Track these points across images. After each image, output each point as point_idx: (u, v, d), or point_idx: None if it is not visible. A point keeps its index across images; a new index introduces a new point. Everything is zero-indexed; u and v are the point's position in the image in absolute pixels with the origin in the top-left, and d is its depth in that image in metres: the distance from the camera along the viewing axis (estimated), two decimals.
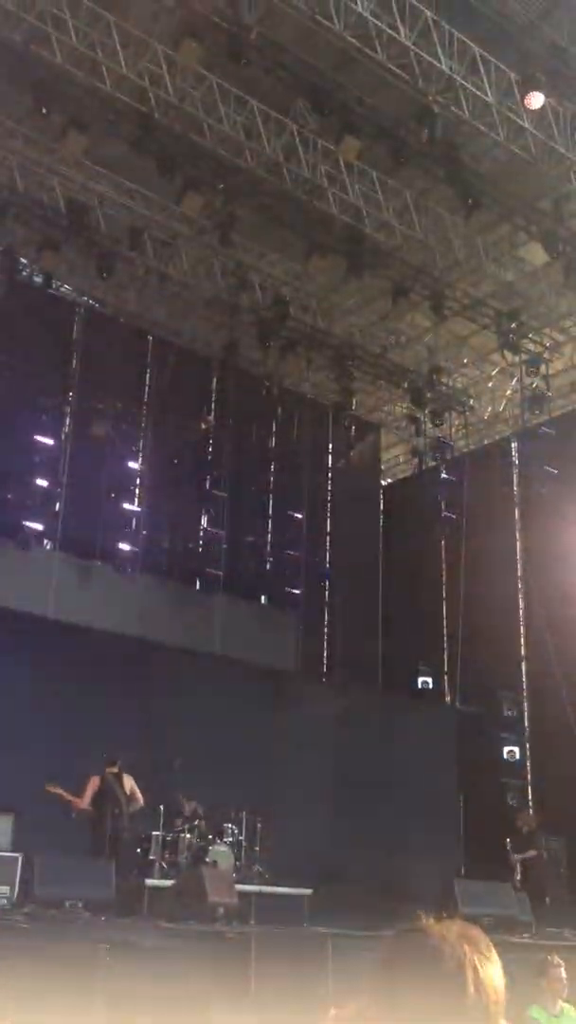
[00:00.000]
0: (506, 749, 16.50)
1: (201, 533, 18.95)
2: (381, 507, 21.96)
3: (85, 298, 18.39)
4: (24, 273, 16.88)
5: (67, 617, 15.19)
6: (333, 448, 21.17)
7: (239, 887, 10.73)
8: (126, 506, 17.74)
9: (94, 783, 11.02)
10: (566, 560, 16.90)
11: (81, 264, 16.59)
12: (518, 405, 18.57)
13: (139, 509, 17.94)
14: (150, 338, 18.95)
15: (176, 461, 18.61)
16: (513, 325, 16.86)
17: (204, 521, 18.94)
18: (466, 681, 17.28)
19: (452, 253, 15.67)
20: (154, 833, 11.85)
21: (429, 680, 18.05)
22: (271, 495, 20.33)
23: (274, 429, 20.27)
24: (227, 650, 16.96)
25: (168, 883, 10.88)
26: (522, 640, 17.95)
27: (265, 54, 12.58)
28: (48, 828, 11.21)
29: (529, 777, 16.98)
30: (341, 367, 18.21)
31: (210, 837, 11.89)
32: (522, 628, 17.97)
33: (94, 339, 17.95)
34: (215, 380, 19.51)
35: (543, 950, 7.98)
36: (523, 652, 17.91)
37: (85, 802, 10.95)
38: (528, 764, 17.04)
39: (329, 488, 21.27)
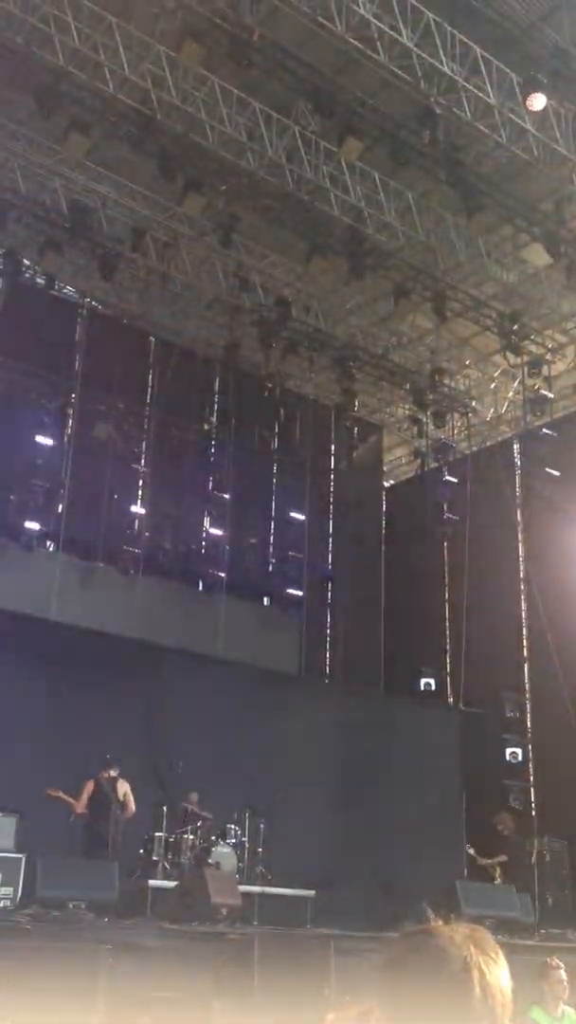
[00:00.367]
0: (508, 750, 16.49)
1: (203, 535, 18.96)
2: (383, 508, 21.96)
3: (87, 299, 18.41)
4: (27, 274, 16.88)
5: (69, 618, 15.20)
6: (335, 449, 21.17)
7: (242, 888, 10.74)
8: (129, 507, 17.75)
9: (89, 787, 11.06)
10: (568, 561, 16.89)
11: (83, 265, 16.61)
12: (520, 407, 18.57)
13: (141, 510, 17.94)
14: (152, 339, 18.97)
15: (178, 462, 18.61)
16: (515, 327, 16.85)
17: (206, 523, 18.94)
18: (468, 682, 17.27)
19: (454, 254, 15.67)
20: (157, 834, 11.86)
21: (431, 681, 18.04)
22: (273, 496, 20.34)
23: (276, 430, 20.27)
24: (229, 651, 16.96)
25: (171, 884, 10.90)
26: (524, 641, 17.93)
27: (267, 55, 12.59)
28: (51, 830, 11.23)
29: (531, 778, 16.96)
30: (343, 368, 18.20)
31: (213, 838, 11.90)
32: (524, 629, 17.95)
33: (96, 340, 17.96)
34: (217, 381, 19.51)
35: (545, 952, 7.98)
36: (525, 653, 17.90)
37: (81, 805, 10.97)
38: (530, 765, 17.03)
39: (331, 489, 21.27)
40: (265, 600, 19.68)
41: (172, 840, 11.89)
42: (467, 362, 19.50)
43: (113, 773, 11.14)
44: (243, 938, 8.17)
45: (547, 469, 16.99)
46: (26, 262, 16.52)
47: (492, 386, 19.73)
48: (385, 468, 22.30)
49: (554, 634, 16.16)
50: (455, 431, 19.82)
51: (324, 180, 14.10)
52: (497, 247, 16.03)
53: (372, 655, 19.95)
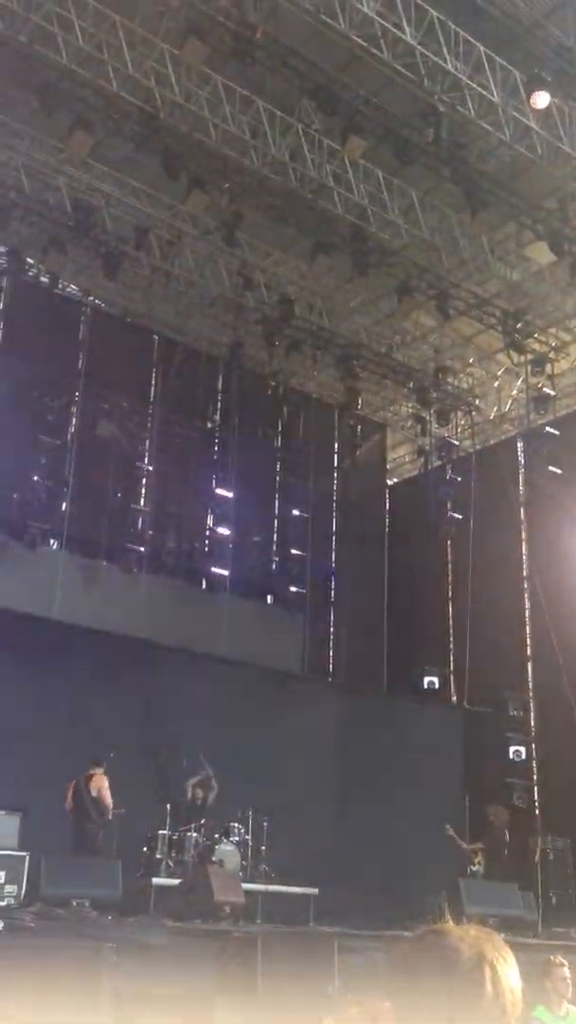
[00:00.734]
0: (512, 749, 16.48)
1: (206, 533, 18.96)
2: (386, 507, 21.96)
3: (91, 298, 18.42)
4: (30, 273, 16.90)
5: (72, 616, 15.21)
6: (339, 447, 21.16)
7: (245, 886, 10.76)
8: (132, 505, 17.76)
9: (73, 785, 11.07)
10: (571, 560, 16.88)
11: (87, 264, 16.61)
12: (523, 405, 18.56)
13: (145, 509, 17.95)
14: (156, 337, 18.97)
15: (181, 461, 18.61)
16: (519, 325, 16.85)
17: (209, 521, 18.95)
18: (471, 681, 17.26)
19: (457, 252, 15.66)
20: (160, 832, 11.87)
21: (435, 680, 18.03)
22: (276, 495, 20.34)
23: (279, 429, 20.28)
24: (232, 649, 16.97)
25: (175, 882, 10.91)
26: (528, 640, 17.93)
27: (271, 53, 12.57)
28: (55, 828, 11.25)
29: (535, 777, 16.96)
30: (346, 366, 18.19)
31: (216, 836, 11.91)
32: (527, 628, 17.95)
33: (100, 339, 17.97)
34: (220, 379, 19.52)
35: (548, 950, 7.98)
36: (528, 652, 17.90)
37: (67, 803, 11.00)
38: (533, 764, 17.02)
39: (334, 488, 21.26)
40: (268, 598, 19.69)
41: (175, 838, 11.90)
42: (470, 360, 19.48)
43: (92, 771, 11.12)
44: (246, 936, 8.18)
45: (550, 467, 16.97)
46: (30, 261, 16.54)
47: (495, 384, 19.72)
48: (388, 466, 22.30)
49: (557, 632, 16.15)
50: (458, 429, 19.82)
51: (327, 178, 14.10)
52: (501, 245, 16.02)
53: (375, 653, 19.96)
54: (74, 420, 17.64)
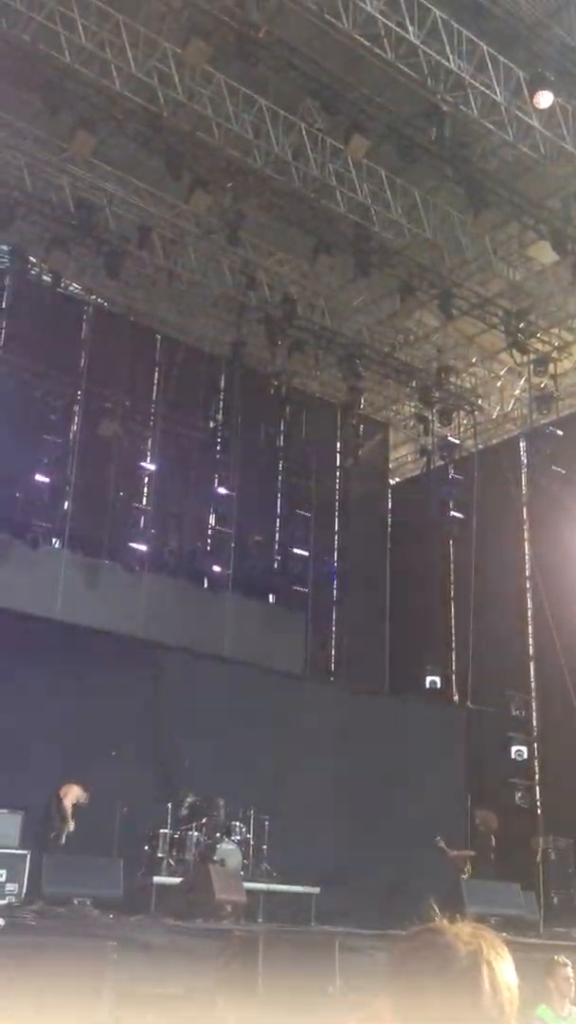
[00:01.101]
0: (514, 748, 16.47)
1: (209, 532, 18.96)
2: (389, 506, 21.95)
3: (94, 297, 18.43)
4: (33, 272, 16.91)
5: (74, 616, 15.21)
6: (341, 447, 21.14)
7: (247, 885, 10.77)
8: (134, 505, 17.76)
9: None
10: (574, 560, 16.87)
11: (89, 263, 16.61)
12: (526, 404, 18.55)
13: (147, 508, 17.95)
14: (158, 337, 18.97)
15: (184, 460, 18.61)
16: (521, 324, 16.84)
17: (212, 520, 18.95)
18: (474, 681, 17.25)
19: (460, 252, 15.65)
20: (162, 831, 11.88)
21: (436, 680, 18.02)
22: (279, 494, 20.34)
23: (282, 428, 20.27)
24: (234, 649, 16.97)
25: (176, 881, 10.92)
26: (530, 639, 17.91)
27: (273, 53, 12.57)
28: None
29: (537, 777, 16.95)
30: (349, 366, 18.19)
31: (218, 835, 11.91)
32: (530, 627, 17.93)
33: (102, 338, 17.96)
34: (223, 379, 19.52)
35: (549, 950, 7.98)
36: (531, 651, 17.88)
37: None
38: (536, 764, 17.02)
39: (337, 487, 21.26)
40: (270, 598, 19.68)
41: (177, 837, 11.90)
42: (473, 360, 19.48)
43: (69, 782, 11.22)
44: (248, 935, 8.19)
45: (553, 467, 16.96)
46: (32, 260, 16.55)
47: (498, 384, 19.71)
48: (391, 466, 22.30)
49: (559, 632, 16.14)
50: (461, 429, 19.81)
51: (330, 178, 14.09)
52: (503, 245, 16.01)
53: (377, 653, 19.96)
54: (76, 419, 17.65)
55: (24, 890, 10.02)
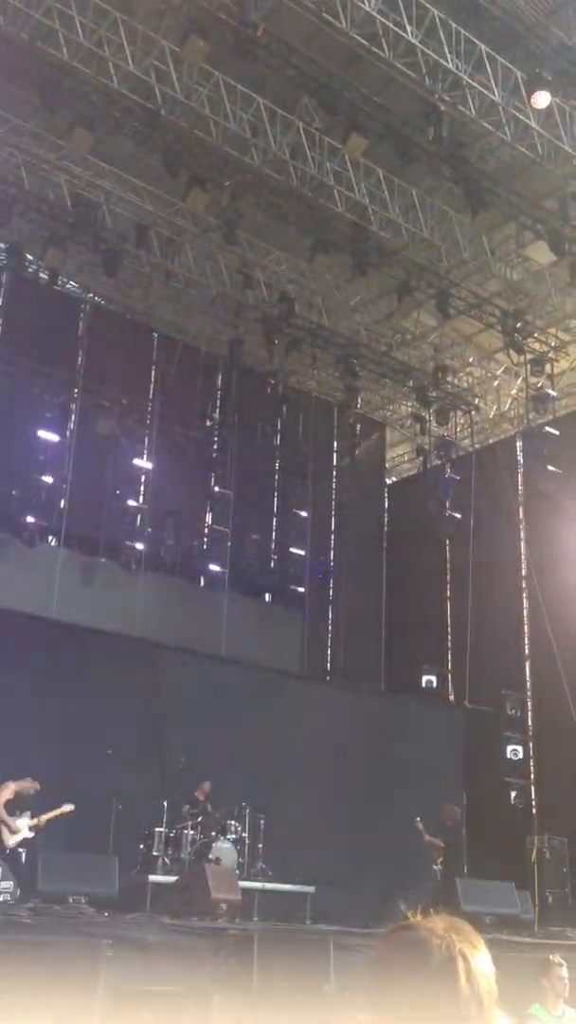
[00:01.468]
0: (509, 748, 16.47)
1: (205, 530, 18.97)
2: (385, 506, 21.96)
3: (91, 295, 18.42)
4: (30, 270, 16.89)
5: (71, 614, 15.22)
6: (338, 446, 21.17)
7: (242, 884, 10.77)
8: (131, 503, 17.75)
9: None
10: (570, 559, 16.89)
11: (87, 261, 16.60)
12: (523, 404, 18.56)
13: (144, 506, 17.94)
14: (155, 335, 18.97)
15: (181, 458, 18.60)
16: (518, 324, 16.84)
17: (208, 518, 18.95)
18: (470, 680, 17.26)
19: (458, 252, 15.65)
20: (157, 830, 11.88)
21: (432, 679, 18.03)
22: (275, 493, 20.34)
23: (279, 427, 20.27)
24: (231, 647, 16.98)
25: (171, 880, 10.92)
26: (526, 639, 17.93)
27: (271, 51, 12.56)
28: (52, 825, 11.24)
29: (532, 776, 16.97)
30: (346, 365, 18.19)
31: (213, 834, 11.91)
32: (526, 627, 17.95)
33: (100, 336, 17.96)
34: (220, 377, 19.51)
35: (544, 949, 7.99)
36: (527, 651, 17.90)
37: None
38: (531, 763, 17.03)
39: (333, 486, 21.27)
40: (267, 597, 19.70)
41: (172, 835, 11.91)
42: (470, 360, 19.49)
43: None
44: (243, 934, 8.19)
45: (549, 467, 16.96)
46: (29, 257, 16.53)
47: (495, 384, 19.72)
48: (387, 465, 22.30)
49: (555, 632, 16.15)
50: (458, 428, 19.82)
51: (328, 177, 14.09)
52: (501, 245, 16.02)
53: (373, 652, 19.96)
54: (73, 417, 17.65)
55: (19, 888, 10.01)
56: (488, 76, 12.03)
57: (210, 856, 11.42)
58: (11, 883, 9.79)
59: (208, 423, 19.50)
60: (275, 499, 20.30)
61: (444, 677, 18.49)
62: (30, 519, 16.15)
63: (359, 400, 19.42)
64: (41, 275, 16.94)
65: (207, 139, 13.55)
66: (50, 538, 16.78)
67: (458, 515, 18.35)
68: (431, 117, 12.23)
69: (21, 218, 15.22)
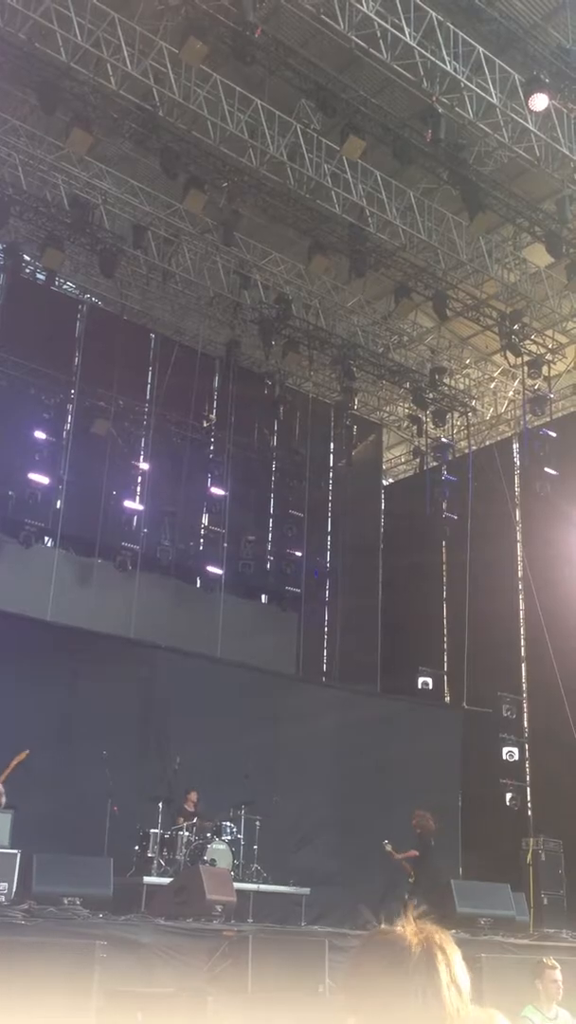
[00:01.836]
0: (505, 750, 16.48)
1: (202, 532, 18.96)
2: (382, 507, 21.96)
3: (88, 295, 18.42)
4: (27, 270, 16.89)
5: (66, 614, 15.19)
6: (334, 447, 21.18)
7: (237, 886, 10.74)
8: (127, 504, 17.74)
9: None
10: (566, 561, 16.90)
11: (84, 261, 16.61)
12: (520, 406, 18.58)
13: (140, 507, 17.93)
14: (152, 336, 18.98)
15: (177, 459, 18.59)
16: (515, 326, 16.86)
17: (205, 520, 18.95)
18: (466, 682, 17.26)
19: (455, 254, 15.67)
20: (152, 831, 11.86)
21: (428, 681, 18.03)
22: (272, 494, 20.34)
23: (276, 428, 20.29)
24: (227, 648, 16.96)
25: (166, 881, 10.90)
26: (522, 641, 17.94)
27: (270, 53, 12.57)
28: (46, 825, 11.23)
29: (528, 778, 16.98)
30: (343, 366, 18.21)
31: (208, 836, 11.90)
32: (522, 629, 17.95)
33: (97, 336, 17.96)
34: (217, 378, 19.52)
35: (539, 951, 8.00)
36: (523, 653, 17.90)
37: None
38: (527, 765, 17.04)
39: (330, 488, 21.28)
40: (263, 598, 19.71)
41: (167, 837, 11.89)
42: (467, 361, 19.51)
43: None
44: (237, 935, 8.19)
45: (546, 469, 16.99)
46: (27, 258, 16.53)
47: (492, 386, 19.75)
48: (384, 467, 22.31)
49: (551, 634, 16.16)
50: (455, 430, 19.84)
51: (326, 178, 14.10)
52: (498, 247, 16.05)
53: (369, 653, 19.96)
54: (70, 418, 17.64)
55: (13, 889, 9.99)
56: (486, 78, 12.04)
57: (205, 857, 11.40)
58: (4, 884, 9.76)
59: (205, 424, 19.50)
60: (272, 500, 20.31)
61: (440, 679, 18.49)
62: (26, 520, 16.13)
63: (356, 401, 19.45)
64: (38, 275, 16.96)
65: (205, 140, 13.55)
66: (46, 539, 16.77)
67: (455, 517, 18.37)
68: (429, 119, 12.24)
69: (19, 218, 15.22)
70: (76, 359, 17.94)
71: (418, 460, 20.58)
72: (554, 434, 17.21)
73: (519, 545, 18.50)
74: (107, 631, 15.21)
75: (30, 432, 16.66)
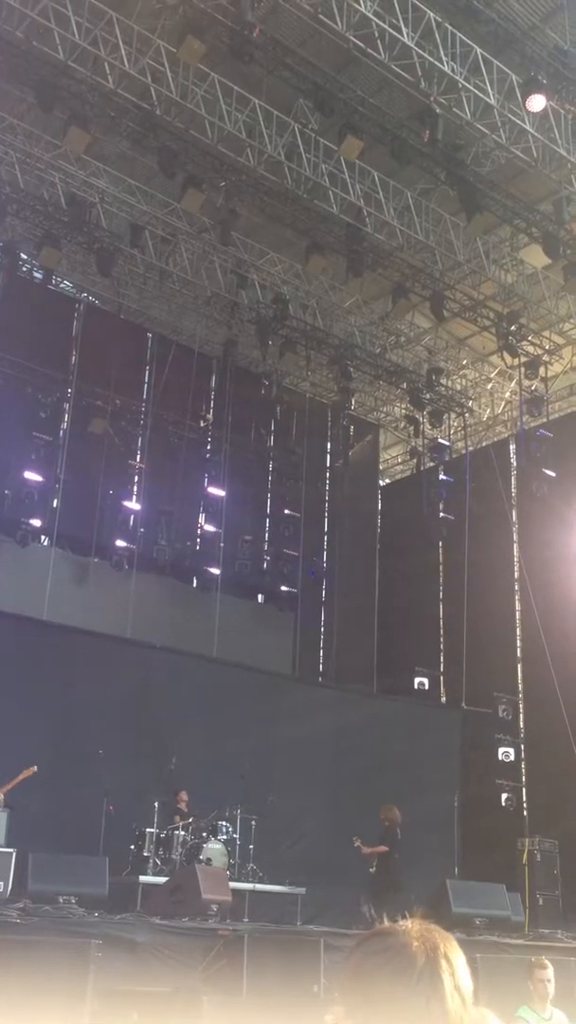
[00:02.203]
0: (501, 750, 16.48)
1: (198, 531, 18.95)
2: (379, 507, 21.96)
3: (85, 294, 18.41)
4: (24, 269, 16.87)
5: (63, 614, 15.17)
6: (331, 447, 21.18)
7: (233, 885, 10.75)
8: (124, 503, 17.73)
9: None
10: (563, 562, 16.91)
11: (81, 260, 16.60)
12: (517, 407, 18.59)
13: (137, 506, 17.92)
14: (149, 335, 18.97)
15: (174, 459, 18.58)
16: (513, 327, 16.87)
17: (201, 519, 18.94)
18: (463, 682, 17.26)
19: (452, 254, 15.69)
20: (148, 830, 11.85)
21: (424, 681, 18.04)
22: (269, 494, 20.34)
23: (272, 428, 20.28)
24: (223, 648, 16.94)
25: (162, 880, 10.90)
26: (518, 642, 17.95)
27: (268, 53, 12.58)
28: (42, 824, 11.22)
29: (524, 779, 16.98)
30: (340, 367, 18.21)
31: (204, 835, 11.89)
32: (518, 630, 17.96)
33: (94, 335, 17.93)
34: (214, 378, 19.51)
35: (534, 951, 8.01)
36: (519, 654, 17.91)
37: None
38: (523, 766, 17.04)
39: (327, 488, 21.27)
40: (259, 598, 19.69)
41: (163, 836, 11.88)
42: (464, 362, 19.52)
43: None
44: (233, 934, 8.19)
45: (543, 470, 16.99)
46: (24, 256, 16.51)
47: (489, 386, 19.76)
48: (381, 467, 22.32)
49: (548, 634, 16.17)
50: (452, 431, 19.85)
51: (323, 178, 14.10)
52: (495, 247, 16.06)
53: (366, 654, 19.96)
54: (66, 417, 17.62)
55: (9, 888, 9.99)
56: (484, 79, 12.05)
57: (201, 857, 11.40)
58: (0, 883, 9.75)
59: (202, 424, 19.49)
60: (268, 500, 20.30)
61: (436, 679, 18.50)
62: (22, 519, 16.12)
63: (353, 402, 19.45)
64: (35, 274, 16.94)
65: (203, 140, 13.55)
66: (43, 538, 16.76)
67: (451, 517, 18.38)
68: (426, 120, 12.25)
69: (16, 217, 15.20)
70: (73, 358, 17.93)
71: (415, 461, 20.58)
72: (551, 435, 17.22)
73: (516, 546, 18.51)
74: (103, 631, 15.19)
75: (27, 431, 16.65)
